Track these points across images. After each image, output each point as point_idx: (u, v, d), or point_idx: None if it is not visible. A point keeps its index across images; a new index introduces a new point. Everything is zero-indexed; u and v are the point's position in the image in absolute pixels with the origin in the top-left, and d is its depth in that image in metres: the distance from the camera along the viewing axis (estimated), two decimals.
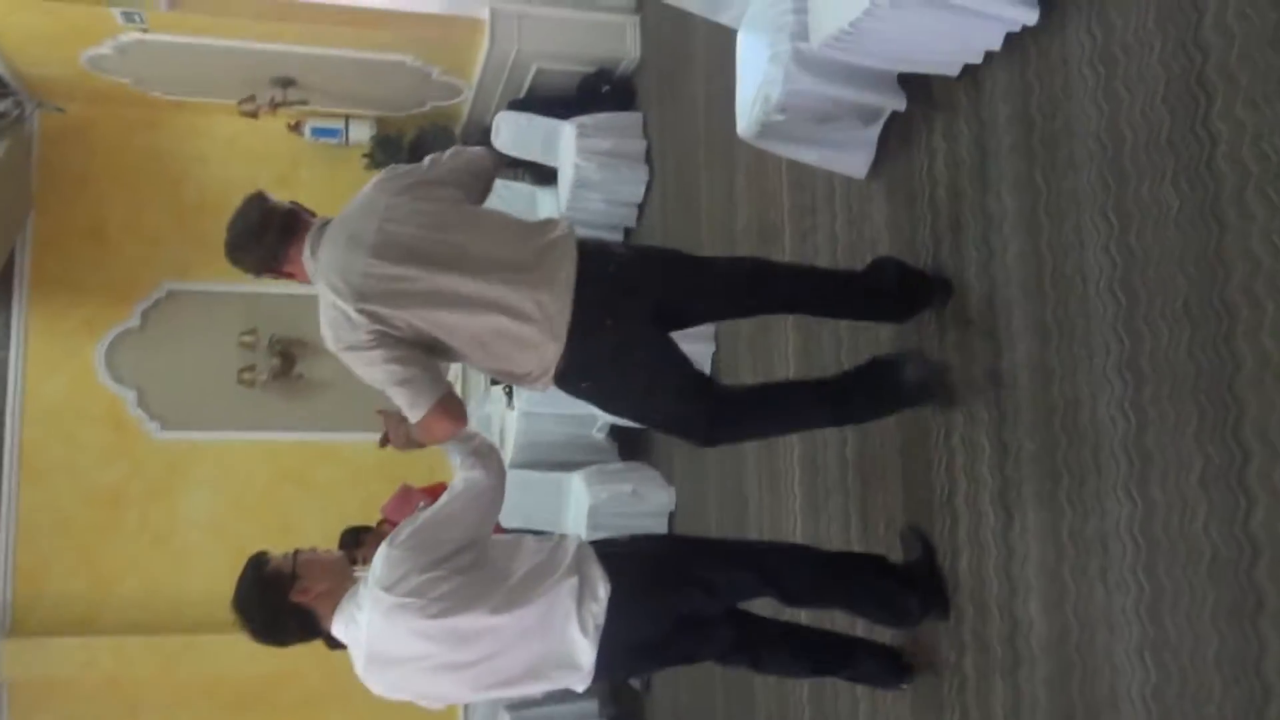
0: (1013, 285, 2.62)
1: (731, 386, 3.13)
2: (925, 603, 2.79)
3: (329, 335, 2.52)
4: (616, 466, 5.87)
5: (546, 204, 6.77)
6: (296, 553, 2.52)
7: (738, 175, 4.67)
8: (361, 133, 7.66)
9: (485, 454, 2.51)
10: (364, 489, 7.22)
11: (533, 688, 2.49)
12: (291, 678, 7.06)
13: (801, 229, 3.92)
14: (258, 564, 2.51)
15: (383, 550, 2.37)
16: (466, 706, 7.27)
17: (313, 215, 2.67)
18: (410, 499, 5.52)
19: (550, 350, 2.51)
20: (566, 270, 2.49)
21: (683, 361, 2.70)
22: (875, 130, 3.15)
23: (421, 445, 2.60)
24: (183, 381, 7.31)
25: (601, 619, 2.41)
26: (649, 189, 6.18)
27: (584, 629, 2.41)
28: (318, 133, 7.64)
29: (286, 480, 7.47)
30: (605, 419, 5.93)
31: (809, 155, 3.24)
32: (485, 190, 2.79)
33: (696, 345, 4.86)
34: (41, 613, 6.97)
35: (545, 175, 7.00)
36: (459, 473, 2.50)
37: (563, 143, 6.26)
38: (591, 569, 2.47)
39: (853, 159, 3.23)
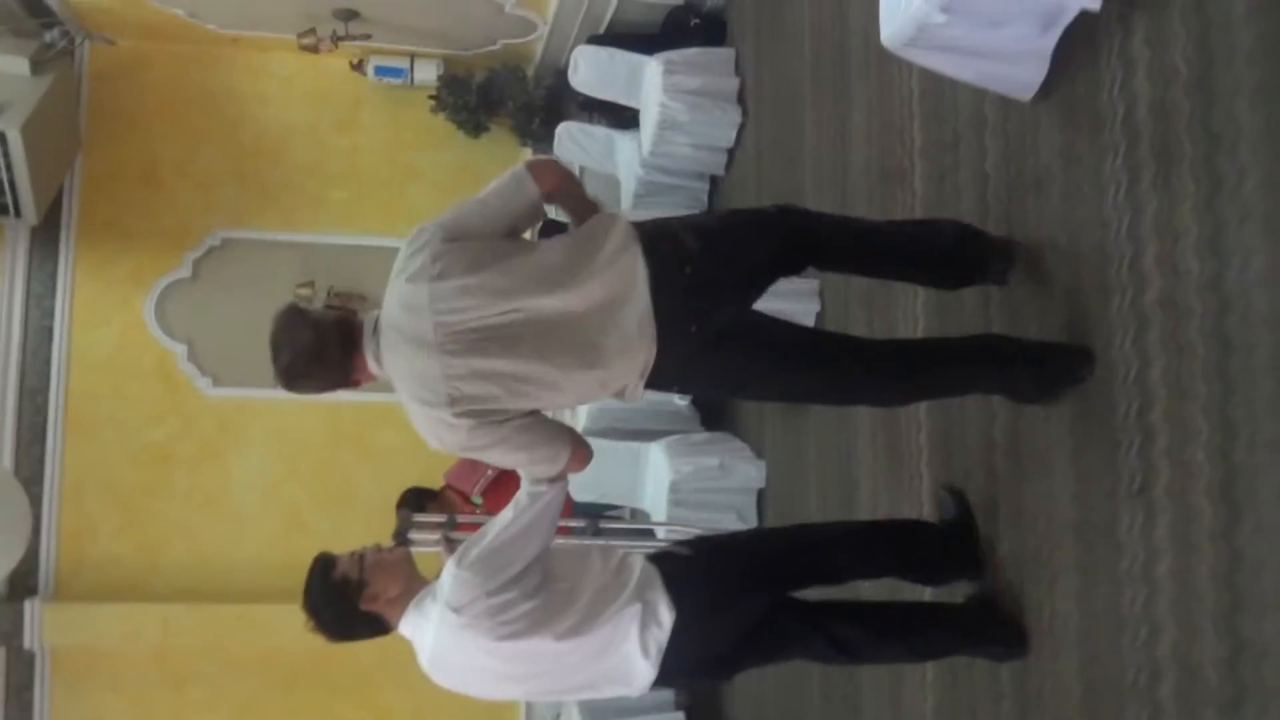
0: (1254, 219, 2.07)
1: (862, 340, 2.92)
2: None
3: (432, 440, 2.43)
4: (701, 437, 5.39)
5: (625, 150, 6.28)
6: (363, 557, 2.50)
7: (853, 112, 4.13)
8: (428, 73, 7.27)
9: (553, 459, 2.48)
10: (425, 457, 6.51)
11: (588, 696, 2.70)
12: (347, 654, 6.60)
13: (938, 168, 3.37)
14: (324, 568, 2.50)
15: (451, 569, 2.38)
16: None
17: (357, 319, 2.48)
18: (476, 467, 5.17)
19: (635, 371, 2.39)
20: (639, 289, 2.34)
21: (785, 335, 2.59)
22: (1053, 37, 2.60)
23: None
24: (236, 335, 6.87)
25: (664, 642, 2.45)
26: (741, 132, 5.65)
27: (645, 653, 2.45)
28: (381, 72, 7.26)
29: (344, 443, 7.11)
30: None
31: (967, 70, 2.70)
32: (529, 215, 2.49)
33: (798, 304, 4.36)
34: (86, 577, 6.70)
35: (623, 119, 6.52)
36: (524, 486, 2.47)
37: (647, 80, 5.74)
38: (655, 595, 2.48)
39: (1022, 74, 2.69)
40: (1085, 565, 2.55)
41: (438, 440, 2.42)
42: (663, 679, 2.51)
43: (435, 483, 5.59)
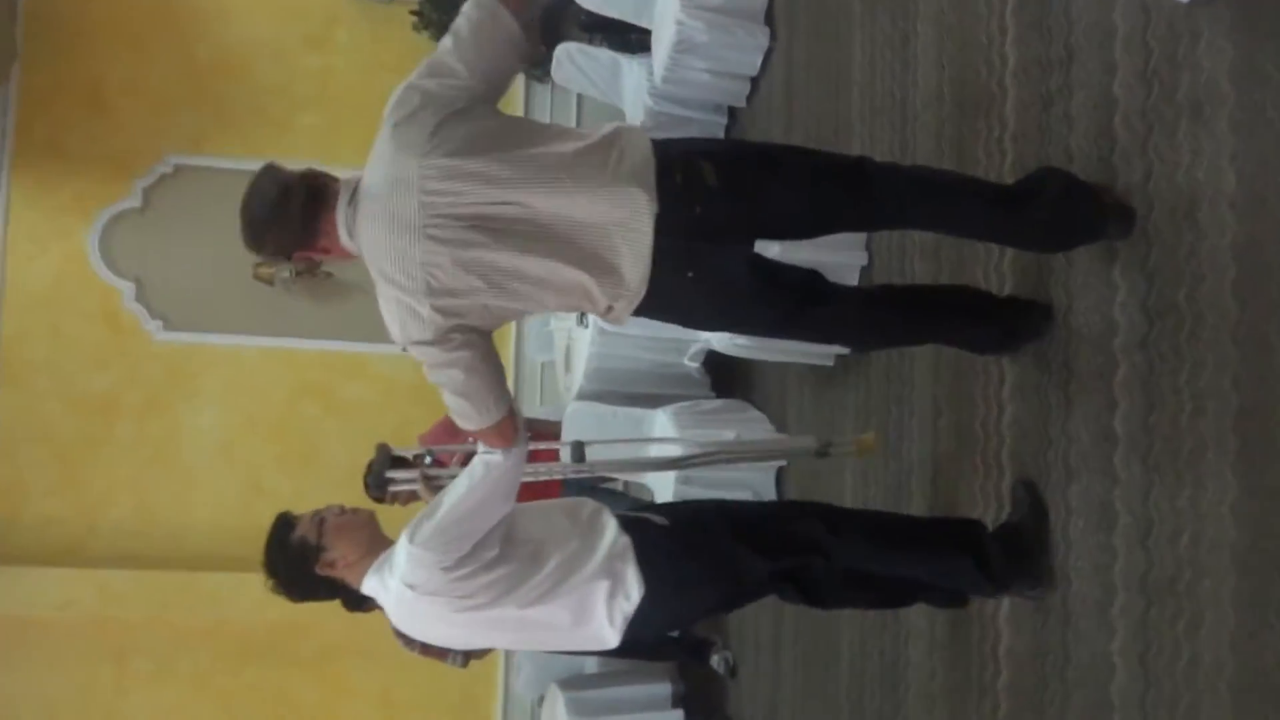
0: None
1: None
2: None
3: (396, 330, 2.26)
4: (713, 404, 4.80)
5: (632, 77, 5.63)
6: (323, 520, 2.44)
7: (919, 29, 3.50)
8: None
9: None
10: (398, 412, 6.35)
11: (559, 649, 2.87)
12: (307, 628, 6.16)
13: (1041, 93, 2.75)
14: (284, 528, 2.46)
15: (404, 544, 2.30)
16: (508, 672, 6.38)
17: (333, 179, 2.34)
18: (456, 433, 4.60)
19: (624, 295, 2.27)
20: (642, 220, 2.19)
21: (784, 283, 2.50)
22: None
23: None
24: (189, 274, 6.38)
25: (631, 613, 2.40)
26: (768, 58, 5.01)
27: (612, 622, 2.41)
28: None
29: (308, 396, 6.57)
30: (700, 345, 4.86)
31: None
32: (514, 58, 2.30)
33: (839, 256, 3.76)
34: (17, 539, 6.14)
35: (628, 44, 5.87)
36: (479, 454, 2.35)
37: None
38: (625, 569, 2.41)
39: None
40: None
41: (400, 329, 2.24)
42: (627, 644, 2.45)
43: (408, 443, 5.09)
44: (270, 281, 6.35)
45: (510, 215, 2.18)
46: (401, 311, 2.21)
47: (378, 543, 2.45)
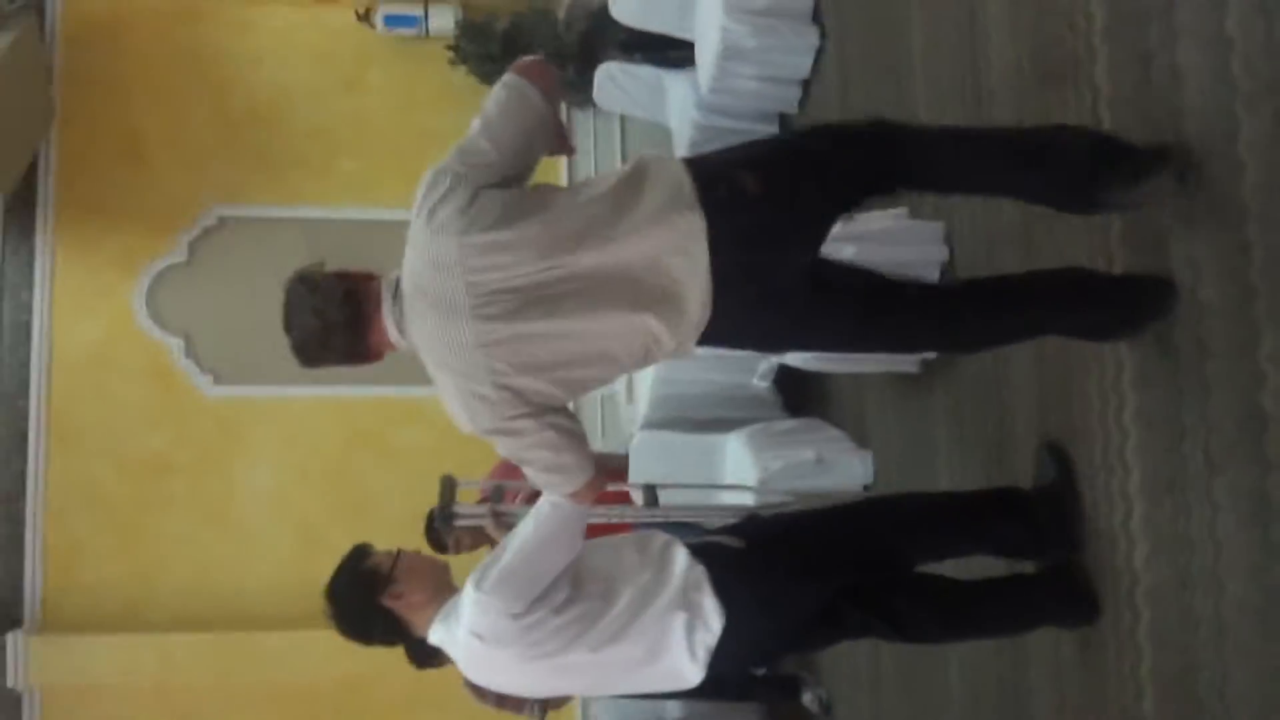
0: None
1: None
2: None
3: (464, 417, 2.18)
4: (786, 425, 4.54)
5: (677, 92, 5.45)
6: (399, 554, 2.42)
7: (985, 1, 3.27)
8: (444, 21, 6.52)
9: None
10: (454, 456, 5.95)
11: (639, 692, 2.69)
12: (373, 684, 5.93)
13: (1138, 51, 2.50)
14: (358, 555, 2.44)
15: (469, 592, 2.23)
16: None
17: (369, 278, 2.25)
18: (516, 474, 4.39)
19: (688, 327, 2.15)
20: (694, 244, 2.10)
21: (848, 289, 2.36)
22: None
23: None
24: (238, 326, 6.18)
25: (713, 644, 2.31)
26: (819, 58, 4.79)
27: (694, 656, 2.31)
28: (392, 22, 6.53)
29: (362, 445, 6.38)
30: (770, 363, 4.62)
31: None
32: (542, 129, 2.23)
33: (920, 252, 3.52)
34: (75, 605, 5.98)
35: (670, 62, 5.69)
36: (545, 494, 2.29)
37: (703, 2, 4.89)
38: (702, 598, 2.31)
39: None
40: None
41: (469, 417, 2.16)
42: (710, 681, 2.36)
43: (466, 495, 4.89)
44: None
45: (560, 279, 2.10)
46: (466, 399, 2.13)
47: (445, 589, 2.40)
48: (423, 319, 2.13)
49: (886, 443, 4.15)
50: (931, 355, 3.56)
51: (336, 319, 2.20)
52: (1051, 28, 2.89)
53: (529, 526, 2.27)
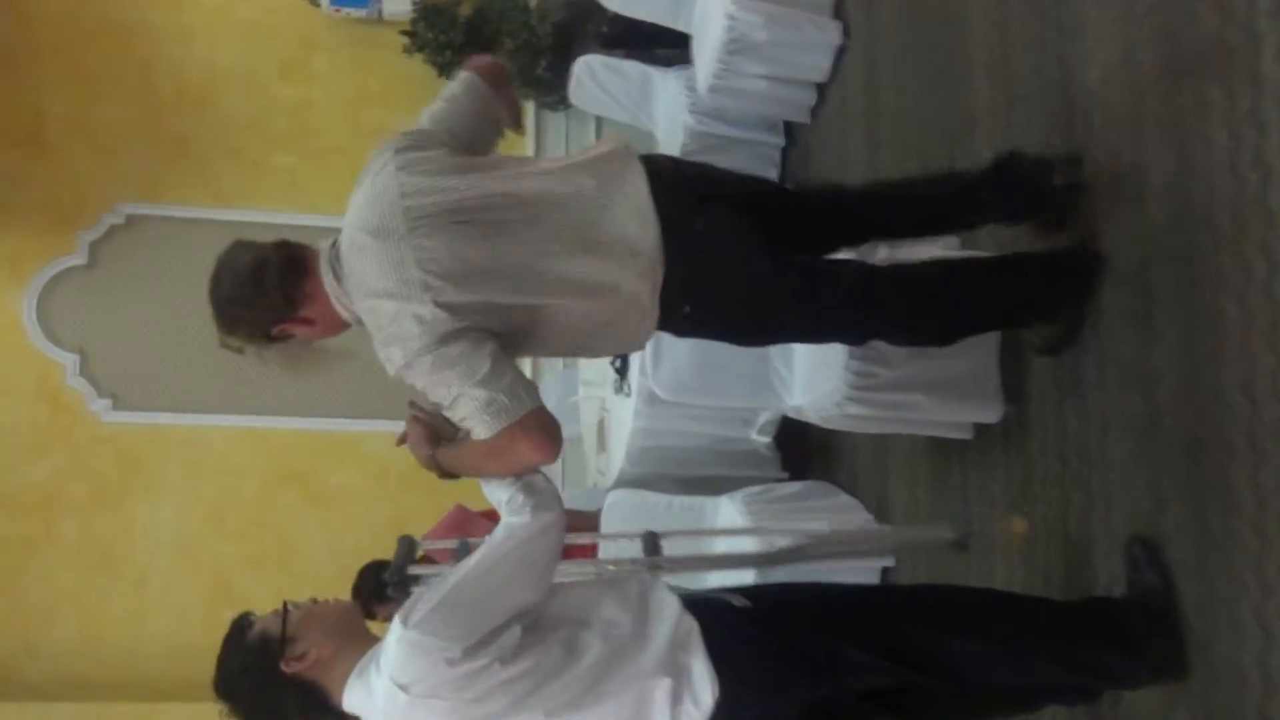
0: None
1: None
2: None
3: (397, 352, 2.06)
4: (791, 489, 3.89)
5: (667, 92, 4.85)
6: (286, 608, 2.02)
7: None
8: (400, 3, 5.88)
9: (538, 490, 1.99)
10: (393, 501, 5.54)
11: None
12: None
13: None
14: (239, 629, 2.04)
15: (395, 630, 1.83)
16: None
17: (308, 246, 2.23)
18: (467, 528, 3.83)
19: (643, 278, 2.18)
20: (634, 184, 2.23)
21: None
22: None
23: (453, 475, 2.16)
24: (144, 343, 5.55)
25: None
26: (840, 58, 4.17)
27: None
28: (339, 1, 5.79)
29: (286, 484, 5.70)
30: (770, 415, 3.98)
31: None
32: (491, 123, 2.42)
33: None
34: None
35: (655, 59, 5.09)
36: (504, 516, 1.98)
37: None
38: (693, 662, 1.92)
39: None
40: None
41: (401, 347, 2.06)
42: None
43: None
44: (240, 350, 5.46)
45: (498, 204, 2.15)
46: (401, 324, 2.06)
47: (359, 637, 2.04)
48: (360, 252, 2.12)
49: (913, 519, 3.52)
50: (989, 420, 2.94)
51: (272, 258, 2.16)
52: (1187, 8, 2.28)
53: (477, 553, 1.92)
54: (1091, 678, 2.26)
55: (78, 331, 5.52)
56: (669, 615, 1.98)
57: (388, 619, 3.96)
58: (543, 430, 2.00)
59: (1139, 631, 2.25)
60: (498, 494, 2.02)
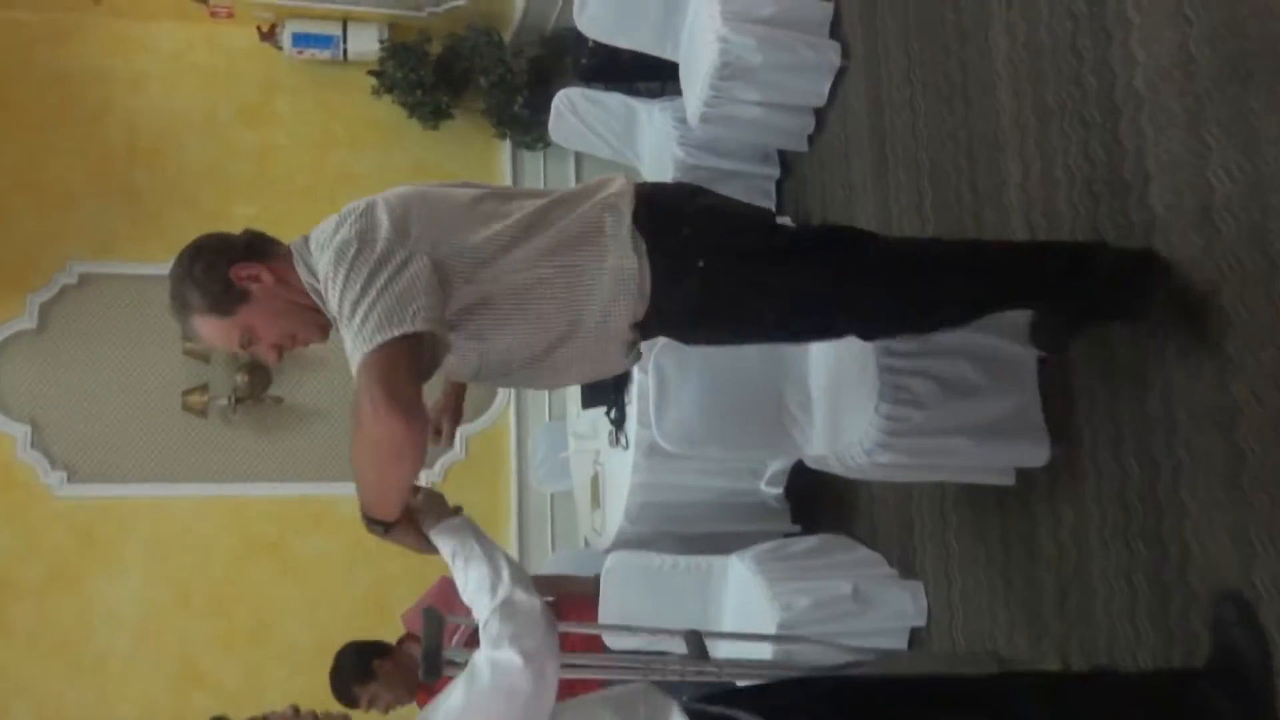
0: None
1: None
2: None
3: (337, 289, 1.84)
4: (805, 544, 3.62)
5: (653, 124, 4.64)
6: None
7: None
8: (366, 42, 5.64)
9: (516, 609, 1.70)
10: (372, 567, 5.25)
11: None
12: None
13: None
14: None
15: None
16: None
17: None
18: (452, 600, 3.47)
19: (625, 271, 1.97)
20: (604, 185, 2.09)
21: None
22: None
23: (382, 523, 1.92)
24: (101, 410, 5.19)
25: None
26: (839, 80, 3.96)
27: None
28: (302, 42, 5.63)
29: (256, 555, 5.32)
30: (781, 465, 3.72)
31: None
32: None
33: None
34: None
35: (637, 93, 4.90)
36: (483, 644, 1.67)
37: (694, 10, 4.05)
38: None
39: None
40: None
41: (345, 273, 1.83)
42: None
43: (387, 618, 4.23)
44: (204, 412, 5.19)
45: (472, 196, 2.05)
46: (348, 254, 1.85)
47: None
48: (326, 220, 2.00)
49: (944, 571, 3.25)
50: (1035, 464, 2.68)
51: (238, 241, 2.02)
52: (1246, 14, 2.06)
53: (457, 696, 1.64)
54: None
55: (28, 400, 5.15)
56: None
57: (371, 705, 3.65)
58: (394, 375, 1.71)
59: (1226, 705, 2.00)
60: (477, 606, 1.76)
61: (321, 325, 2.02)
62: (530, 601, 1.71)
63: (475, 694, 1.63)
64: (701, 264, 1.99)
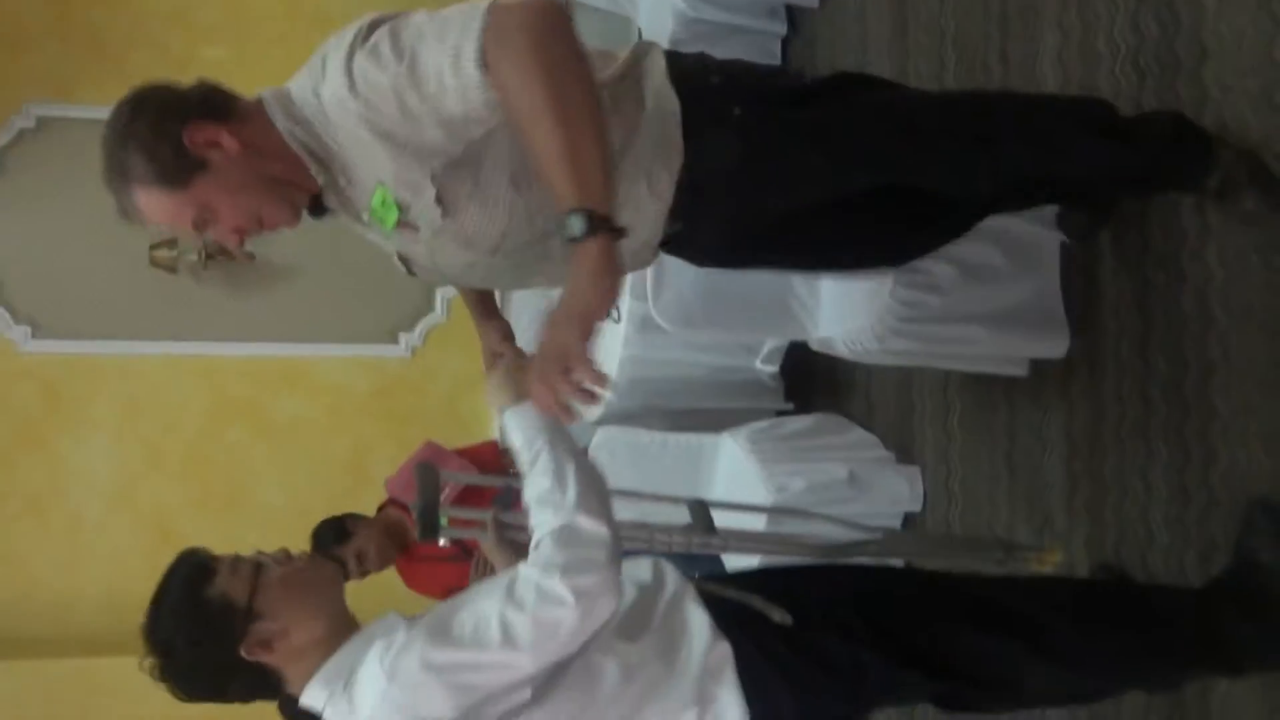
0: None
1: None
2: None
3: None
4: (799, 424, 3.55)
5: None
6: (258, 568, 1.70)
7: None
8: None
9: (576, 537, 1.54)
10: (350, 432, 5.18)
11: None
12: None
13: None
14: (194, 576, 1.70)
15: (375, 673, 1.54)
16: None
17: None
18: (444, 464, 3.52)
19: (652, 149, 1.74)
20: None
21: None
22: None
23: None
24: (64, 263, 5.01)
25: None
26: None
27: None
28: None
29: (230, 416, 5.23)
30: (776, 342, 3.62)
31: None
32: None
33: None
34: None
35: None
36: (531, 561, 1.55)
37: None
38: (723, 693, 1.68)
39: None
40: None
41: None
42: None
43: (367, 484, 4.24)
44: (173, 268, 5.04)
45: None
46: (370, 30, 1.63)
47: (339, 622, 1.73)
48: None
49: (944, 457, 3.18)
50: (1054, 355, 2.58)
51: (192, 90, 1.82)
52: None
53: (493, 601, 1.53)
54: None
55: None
56: (699, 637, 1.72)
57: (360, 563, 3.56)
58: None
59: (1246, 616, 1.94)
60: (524, 486, 1.64)
61: (293, 202, 1.79)
62: (595, 530, 1.55)
63: (511, 610, 1.52)
64: (738, 111, 1.77)
